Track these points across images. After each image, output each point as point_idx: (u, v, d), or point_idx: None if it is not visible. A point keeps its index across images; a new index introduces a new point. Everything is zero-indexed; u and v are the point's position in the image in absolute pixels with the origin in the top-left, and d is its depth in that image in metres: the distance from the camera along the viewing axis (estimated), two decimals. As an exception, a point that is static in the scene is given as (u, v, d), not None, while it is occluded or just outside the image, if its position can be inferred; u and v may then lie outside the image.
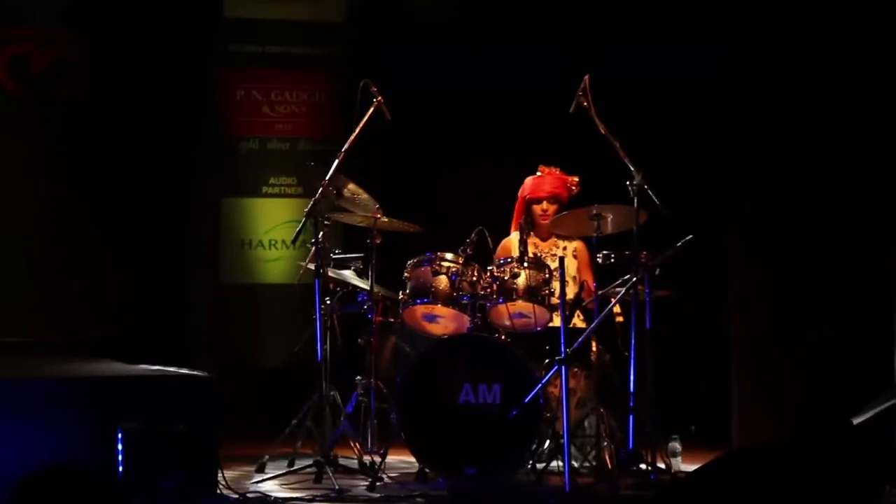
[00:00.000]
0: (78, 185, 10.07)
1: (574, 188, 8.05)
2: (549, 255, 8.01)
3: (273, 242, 10.34)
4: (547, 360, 7.48)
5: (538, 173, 8.12)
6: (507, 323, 7.63)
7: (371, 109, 7.66)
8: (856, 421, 7.36)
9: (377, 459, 7.47)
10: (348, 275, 8.05)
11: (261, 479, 7.44)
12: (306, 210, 7.55)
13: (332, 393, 7.66)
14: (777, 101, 8.25)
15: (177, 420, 6.43)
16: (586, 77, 7.54)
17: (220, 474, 6.75)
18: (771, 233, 8.29)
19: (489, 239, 7.70)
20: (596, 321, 7.33)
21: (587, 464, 7.59)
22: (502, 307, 7.60)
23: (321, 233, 7.54)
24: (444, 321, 7.77)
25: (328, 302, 7.85)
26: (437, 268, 7.65)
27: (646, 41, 9.88)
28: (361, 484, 7.27)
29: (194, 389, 6.88)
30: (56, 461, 5.76)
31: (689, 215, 9.14)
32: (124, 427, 6.34)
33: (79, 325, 9.91)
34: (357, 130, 7.61)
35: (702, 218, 9.31)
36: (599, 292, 7.51)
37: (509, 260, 7.64)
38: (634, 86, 9.78)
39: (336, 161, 7.54)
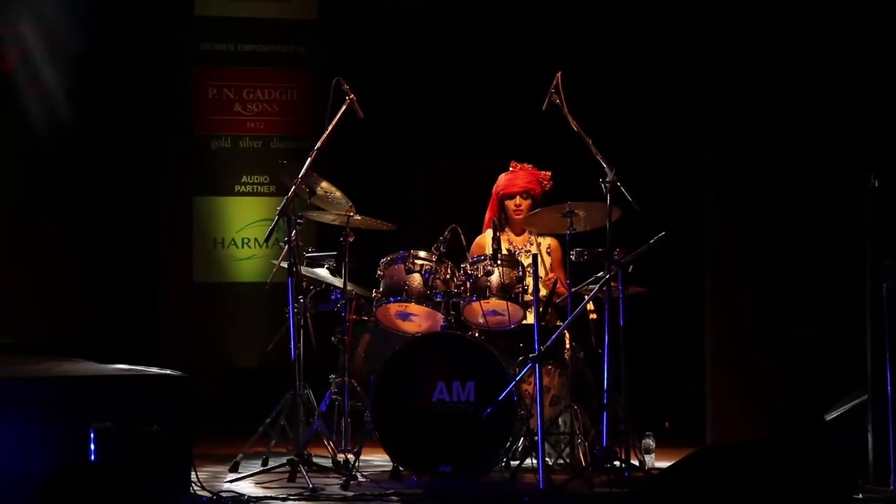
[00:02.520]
0: (48, 184, 10.00)
1: (547, 183, 8.06)
2: (523, 250, 8.01)
3: (246, 241, 10.30)
4: (521, 358, 7.48)
5: (510, 169, 8.13)
6: (481, 320, 7.62)
7: (344, 107, 7.64)
8: (828, 417, 7.38)
9: (351, 458, 7.46)
10: (321, 273, 8.03)
11: (234, 478, 7.42)
12: (279, 208, 7.52)
13: (305, 391, 7.64)
14: (761, 96, 8.27)
15: (150, 420, 6.39)
16: (558, 74, 7.55)
17: (193, 474, 6.74)
18: (752, 230, 8.30)
19: (462, 237, 7.69)
20: (569, 318, 7.32)
21: (561, 461, 7.60)
22: (476, 305, 7.59)
23: (294, 231, 7.51)
24: (417, 319, 7.76)
25: (301, 300, 7.83)
26: (410, 266, 7.63)
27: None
28: (335, 483, 7.26)
29: (167, 389, 6.85)
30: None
31: (666, 211, 9.21)
32: (97, 427, 6.31)
33: (50, 326, 9.85)
34: (330, 128, 7.58)
35: (678, 214, 9.36)
36: (573, 289, 7.51)
37: (483, 257, 7.64)
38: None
39: (309, 159, 7.53)
